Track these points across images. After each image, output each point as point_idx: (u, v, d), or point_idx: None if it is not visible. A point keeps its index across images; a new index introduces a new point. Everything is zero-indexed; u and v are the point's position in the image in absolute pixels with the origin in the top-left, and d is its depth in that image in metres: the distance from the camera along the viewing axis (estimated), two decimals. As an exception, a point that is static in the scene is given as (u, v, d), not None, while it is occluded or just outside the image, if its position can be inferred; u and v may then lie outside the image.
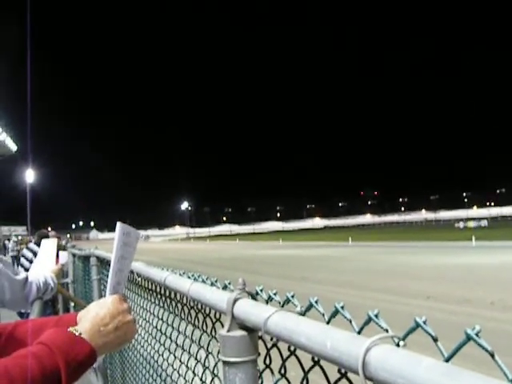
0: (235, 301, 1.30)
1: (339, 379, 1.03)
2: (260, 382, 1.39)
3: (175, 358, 2.53)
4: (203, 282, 1.86)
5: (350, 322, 0.95)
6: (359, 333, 0.90)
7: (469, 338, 0.70)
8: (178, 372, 2.50)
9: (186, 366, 2.35)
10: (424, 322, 0.78)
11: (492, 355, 0.68)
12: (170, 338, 2.57)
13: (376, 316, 0.88)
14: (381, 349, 0.77)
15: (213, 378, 1.91)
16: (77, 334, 1.25)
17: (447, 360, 0.73)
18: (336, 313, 0.99)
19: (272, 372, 1.38)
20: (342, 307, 0.98)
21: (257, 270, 21.84)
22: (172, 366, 2.61)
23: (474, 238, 34.25)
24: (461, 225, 62.52)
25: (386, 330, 0.84)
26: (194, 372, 2.22)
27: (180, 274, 2.16)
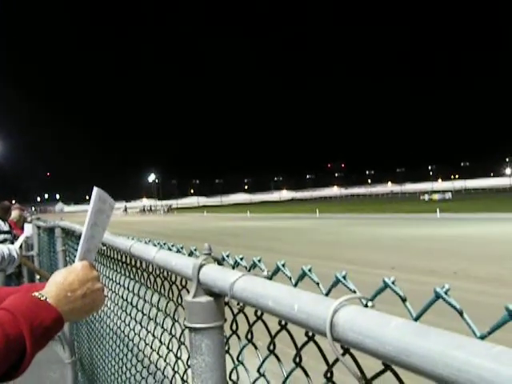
0: (201, 266, 1.28)
1: (306, 342, 1.01)
2: (227, 348, 1.38)
3: (142, 327, 2.51)
4: (169, 249, 1.83)
5: (318, 284, 0.94)
6: (327, 295, 0.89)
7: (438, 297, 0.69)
8: (145, 341, 2.49)
9: (153, 335, 2.33)
10: (393, 283, 0.77)
11: (461, 313, 0.67)
12: (137, 308, 2.54)
13: (344, 278, 0.86)
14: (349, 310, 0.75)
15: (179, 346, 1.90)
16: (42, 298, 1.20)
17: (416, 319, 0.72)
18: (303, 275, 0.97)
19: (239, 338, 1.37)
20: (310, 270, 0.97)
21: (225, 242, 21.89)
22: (139, 335, 2.59)
23: (438, 210, 34.84)
24: (426, 197, 63.49)
25: (354, 292, 0.82)
26: (160, 341, 2.20)
27: (146, 242, 2.13)
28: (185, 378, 1.79)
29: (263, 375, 1.23)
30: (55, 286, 1.28)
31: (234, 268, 1.30)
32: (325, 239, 22.44)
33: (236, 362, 1.38)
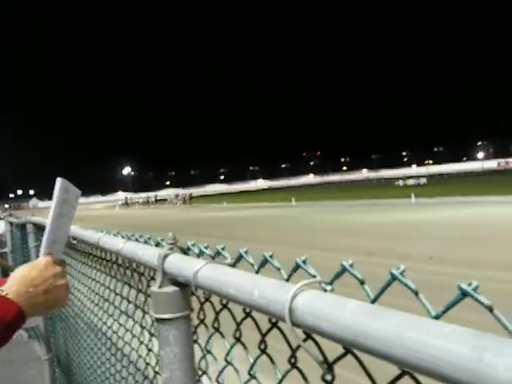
0: (165, 256, 1.27)
1: (270, 329, 1.01)
2: (195, 337, 1.37)
3: (114, 320, 2.50)
4: (136, 240, 1.81)
5: (279, 270, 0.93)
6: (288, 280, 0.88)
7: (394, 278, 0.69)
8: (118, 334, 2.47)
9: (125, 328, 2.32)
10: (350, 266, 0.76)
11: (416, 293, 0.66)
12: (109, 301, 2.52)
13: (304, 262, 0.86)
14: (307, 294, 0.75)
15: (150, 338, 1.89)
16: (3, 294, 1.19)
17: (373, 301, 0.71)
18: (265, 262, 0.97)
19: (206, 327, 1.36)
20: (271, 256, 0.96)
21: (202, 232, 21.85)
22: (112, 329, 2.57)
23: (413, 195, 35.19)
24: (400, 183, 64.04)
25: (314, 276, 0.82)
26: (132, 333, 2.19)
27: (114, 235, 2.11)
28: (157, 369, 1.78)
29: (230, 363, 1.23)
30: (17, 281, 1.26)
31: (198, 257, 1.29)
32: (301, 227, 22.53)
33: (204, 352, 1.38)
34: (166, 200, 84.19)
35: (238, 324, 1.15)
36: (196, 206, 63.10)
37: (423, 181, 63.58)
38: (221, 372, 1.27)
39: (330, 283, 0.78)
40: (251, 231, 21.89)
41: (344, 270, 0.77)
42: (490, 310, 0.58)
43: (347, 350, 0.78)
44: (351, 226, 21.35)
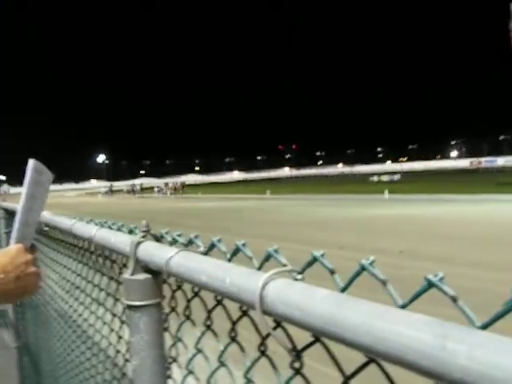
0: (138, 243, 1.27)
1: (241, 317, 1.02)
2: (166, 325, 1.38)
3: (86, 308, 2.49)
4: (109, 227, 1.81)
5: (251, 259, 0.94)
6: (259, 269, 0.89)
7: (363, 268, 0.70)
8: (88, 322, 2.46)
9: (96, 316, 2.31)
10: (322, 255, 0.78)
11: (384, 283, 0.68)
12: (80, 289, 2.51)
13: (275, 251, 0.87)
14: (278, 283, 0.76)
15: (121, 325, 1.89)
16: None
17: (342, 290, 0.73)
18: (237, 251, 0.98)
19: (177, 315, 1.37)
20: (244, 244, 0.97)
21: (177, 223, 21.80)
22: (82, 316, 2.56)
23: (387, 191, 35.51)
24: (375, 178, 64.55)
25: (285, 265, 0.83)
26: (103, 321, 2.19)
27: (87, 222, 2.10)
28: (127, 356, 1.78)
29: (201, 351, 1.24)
30: None
31: (171, 245, 1.29)
32: (276, 219, 22.60)
33: (175, 339, 1.38)
34: (152, 189, 76.13)
35: (209, 312, 1.16)
36: (188, 196, 60.55)
37: (397, 177, 64.20)
38: (191, 360, 1.28)
39: (301, 272, 0.79)
40: (225, 222, 21.89)
41: (315, 259, 0.78)
42: (454, 300, 0.59)
43: (316, 339, 0.79)
44: (325, 220, 21.49)
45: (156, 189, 71.86)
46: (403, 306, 0.64)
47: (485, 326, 0.56)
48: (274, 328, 0.86)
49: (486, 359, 0.49)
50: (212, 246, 1.08)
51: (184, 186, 67.59)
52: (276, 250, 0.88)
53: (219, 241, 1.07)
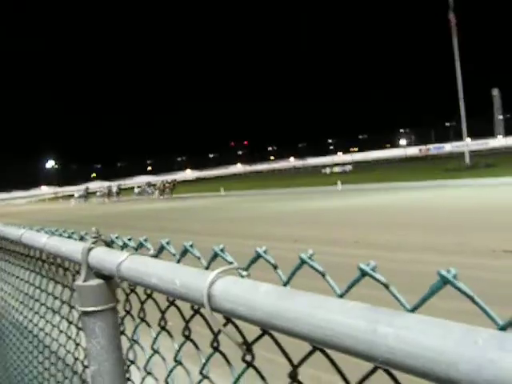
0: (89, 250, 1.28)
1: (192, 316, 1.05)
2: (122, 328, 1.39)
3: (40, 317, 2.46)
4: (60, 235, 1.80)
5: (199, 258, 0.97)
6: (207, 268, 0.92)
7: (303, 262, 0.74)
8: (44, 331, 2.44)
9: (52, 324, 2.30)
10: (264, 252, 0.81)
11: (323, 275, 0.72)
12: (33, 298, 2.48)
13: (221, 250, 0.90)
14: (224, 281, 0.79)
15: (78, 332, 1.89)
16: None
17: (285, 284, 0.77)
18: (185, 252, 1.00)
19: (133, 318, 1.38)
20: (191, 245, 0.99)
21: (131, 225, 21.54)
22: (38, 326, 2.54)
23: (339, 182, 35.94)
24: (327, 170, 65.19)
25: (231, 263, 0.86)
26: (59, 329, 2.17)
27: (37, 231, 2.08)
28: (85, 363, 1.78)
29: (157, 352, 1.26)
30: None
31: (122, 249, 1.31)
32: (230, 216, 22.61)
33: (131, 342, 1.40)
34: (130, 190, 63.43)
35: (163, 313, 1.18)
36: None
37: (349, 168, 65.00)
38: (148, 361, 1.30)
39: (246, 269, 0.83)
40: (179, 222, 21.78)
41: (258, 256, 0.81)
42: (386, 286, 0.64)
43: (264, 332, 0.83)
44: (279, 214, 21.62)
45: (136, 190, 59.67)
46: (341, 295, 0.68)
47: (413, 309, 0.60)
48: (225, 324, 0.90)
49: (411, 339, 0.53)
50: (161, 249, 1.10)
51: (175, 184, 53.71)
52: (222, 248, 0.91)
53: (168, 243, 1.09)
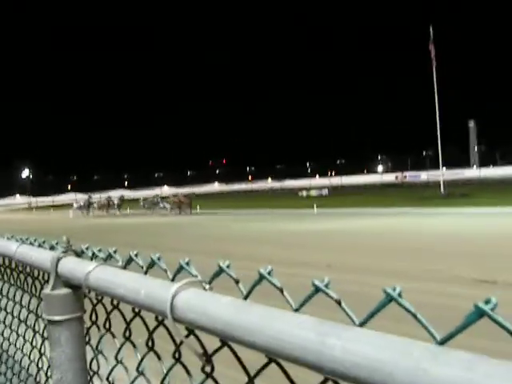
0: (59, 259, 1.30)
1: (156, 327, 1.07)
2: (88, 338, 1.40)
3: (5, 326, 2.45)
4: (31, 244, 1.81)
5: (166, 271, 1.00)
6: (173, 280, 0.95)
7: (262, 277, 0.78)
8: (9, 340, 2.43)
9: (17, 333, 2.28)
10: (227, 266, 0.84)
11: (281, 291, 0.76)
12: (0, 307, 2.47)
13: (187, 264, 0.93)
14: (187, 292, 0.82)
15: (43, 341, 1.89)
16: None
17: (245, 298, 0.80)
18: (153, 264, 1.03)
19: (98, 328, 1.40)
20: (159, 258, 1.02)
21: (104, 239, 21.34)
22: (2, 335, 2.52)
23: (315, 205, 36.12)
24: (304, 193, 65.43)
25: (196, 276, 0.89)
26: (24, 338, 2.17)
27: (8, 238, 2.08)
28: (49, 373, 1.78)
29: (120, 362, 1.28)
30: None
31: (92, 259, 1.33)
32: (204, 234, 22.56)
33: (96, 352, 1.41)
34: (135, 202, 55.24)
35: (128, 324, 1.20)
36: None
37: (325, 191, 65.33)
38: (110, 371, 1.31)
39: (209, 282, 0.86)
40: (155, 238, 21.66)
41: (221, 270, 0.85)
42: (338, 303, 0.68)
43: (223, 343, 0.86)
44: (253, 234, 21.64)
45: (142, 203, 51.40)
46: (296, 310, 0.72)
47: (362, 324, 0.64)
48: (187, 336, 0.92)
49: (356, 351, 0.57)
50: (130, 260, 1.13)
51: (191, 199, 45.87)
52: (188, 262, 0.94)
53: (136, 255, 1.12)
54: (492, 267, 10.68)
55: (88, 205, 54.49)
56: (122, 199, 54.47)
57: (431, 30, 41.88)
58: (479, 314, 0.53)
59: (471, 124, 72.32)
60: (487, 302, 0.53)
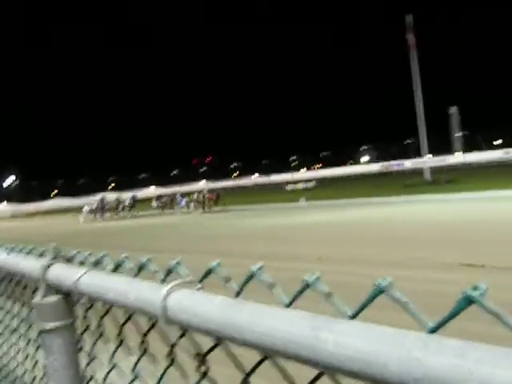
0: (48, 266, 1.29)
1: (149, 329, 1.07)
2: (81, 344, 1.40)
3: (-2, 336, 2.44)
4: (20, 251, 1.80)
5: (156, 272, 1.00)
6: (164, 281, 0.95)
7: (252, 275, 0.78)
8: (3, 350, 2.41)
9: (9, 343, 2.27)
10: (217, 265, 0.85)
11: (271, 287, 0.76)
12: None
13: (178, 264, 0.93)
14: (179, 293, 0.83)
15: (36, 349, 1.88)
16: None
17: (237, 295, 0.80)
18: (144, 265, 1.03)
19: (91, 333, 1.39)
20: (149, 259, 1.02)
21: (93, 244, 21.25)
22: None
23: (303, 198, 36.19)
24: (290, 187, 65.51)
25: (185, 277, 0.89)
26: (17, 347, 2.16)
27: (-4, 247, 2.07)
28: (44, 381, 1.78)
29: (116, 366, 1.27)
30: None
31: (82, 265, 1.32)
32: (195, 233, 22.57)
33: (90, 357, 1.41)
34: (149, 201, 48.96)
35: (121, 327, 1.20)
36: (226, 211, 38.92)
37: (312, 184, 65.45)
38: (106, 375, 1.31)
39: (200, 282, 0.86)
40: (146, 240, 21.61)
41: (210, 270, 0.85)
42: (329, 295, 0.68)
43: (217, 342, 0.86)
44: (244, 230, 21.65)
45: (155, 203, 47.08)
46: (288, 305, 0.72)
47: (353, 316, 0.65)
48: (180, 336, 0.92)
49: (348, 344, 0.58)
50: (119, 264, 1.12)
51: (219, 195, 41.46)
52: (178, 262, 0.94)
53: (126, 258, 1.11)
54: (478, 252, 10.77)
55: (102, 207, 47.00)
56: (134, 199, 48.41)
57: (411, 18, 42.11)
58: (468, 301, 0.54)
59: (452, 111, 72.71)
60: (475, 288, 0.54)
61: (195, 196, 41.45)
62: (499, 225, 14.84)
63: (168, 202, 44.44)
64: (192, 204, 40.33)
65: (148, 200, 49.01)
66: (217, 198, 40.17)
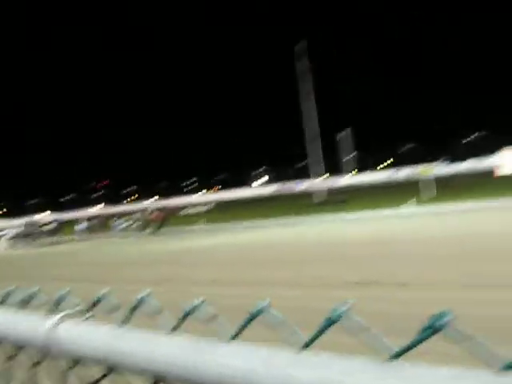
0: None
1: (36, 364, 1.05)
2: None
3: None
4: None
5: (44, 305, 1.00)
6: (51, 313, 0.95)
7: (141, 301, 0.80)
8: None
9: None
10: (108, 293, 0.86)
11: (158, 312, 0.79)
12: None
13: (67, 293, 0.93)
14: (67, 324, 0.83)
15: None
16: None
17: (123, 323, 0.82)
18: (32, 298, 1.02)
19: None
20: (39, 290, 1.02)
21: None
22: None
23: (200, 221, 35.98)
24: (189, 211, 65.05)
25: (75, 307, 0.90)
26: None
27: None
28: None
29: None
30: None
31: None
32: (89, 261, 21.86)
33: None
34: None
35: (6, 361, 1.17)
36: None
37: (209, 207, 65.38)
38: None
39: (88, 311, 0.87)
40: (40, 269, 20.63)
41: (99, 299, 0.86)
42: (214, 317, 0.72)
43: (108, 371, 0.87)
44: (142, 256, 21.25)
45: (80, 226, 42.14)
46: (174, 329, 0.76)
47: (234, 337, 0.69)
48: (71, 367, 0.92)
49: (230, 364, 0.62)
50: (6, 297, 1.10)
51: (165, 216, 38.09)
52: (68, 291, 0.94)
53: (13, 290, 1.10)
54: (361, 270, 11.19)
55: (26, 233, 39.85)
56: (58, 222, 43.84)
57: (303, 45, 43.50)
58: (331, 322, 0.60)
59: (343, 133, 75.70)
60: (336, 310, 0.60)
61: (138, 215, 38.35)
62: (381, 244, 15.53)
63: (98, 225, 40.39)
64: (134, 224, 36.92)
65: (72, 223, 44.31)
66: (162, 220, 36.59)
